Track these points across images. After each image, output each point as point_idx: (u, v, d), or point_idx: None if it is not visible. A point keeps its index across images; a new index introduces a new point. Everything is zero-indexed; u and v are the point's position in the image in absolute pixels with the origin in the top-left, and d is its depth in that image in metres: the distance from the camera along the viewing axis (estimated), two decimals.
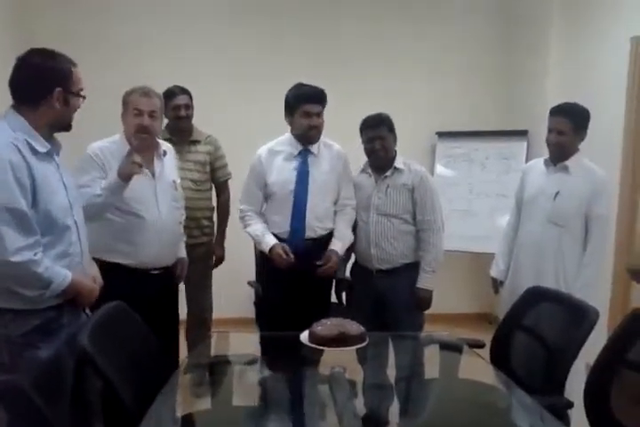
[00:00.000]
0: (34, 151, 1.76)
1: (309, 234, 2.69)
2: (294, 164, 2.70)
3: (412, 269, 2.78)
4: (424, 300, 2.76)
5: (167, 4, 4.49)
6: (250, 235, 2.76)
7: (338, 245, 2.73)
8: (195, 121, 3.29)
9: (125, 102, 2.48)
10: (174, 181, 2.64)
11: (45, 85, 1.79)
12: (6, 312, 1.73)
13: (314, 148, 2.71)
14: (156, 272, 2.54)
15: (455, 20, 4.76)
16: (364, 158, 2.85)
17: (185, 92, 3.23)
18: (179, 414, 1.80)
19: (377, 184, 2.78)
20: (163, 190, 2.53)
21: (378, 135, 2.70)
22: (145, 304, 2.31)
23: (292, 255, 2.60)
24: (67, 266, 1.83)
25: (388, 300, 2.76)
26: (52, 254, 1.78)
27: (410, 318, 2.73)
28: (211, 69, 4.40)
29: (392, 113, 2.80)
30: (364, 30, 4.64)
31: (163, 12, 4.47)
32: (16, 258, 1.66)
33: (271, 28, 4.56)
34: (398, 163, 2.77)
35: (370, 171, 2.82)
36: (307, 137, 2.67)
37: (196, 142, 3.25)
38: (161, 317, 2.52)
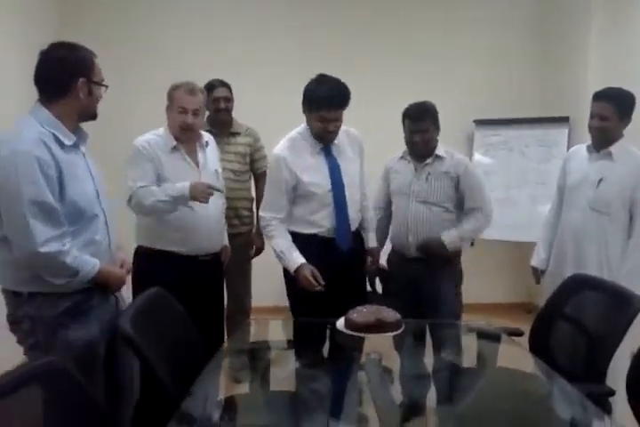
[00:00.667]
0: (61, 144, 1.80)
1: (352, 228, 2.65)
2: (322, 159, 2.56)
3: (451, 257, 2.76)
4: (432, 245, 2.68)
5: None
6: (273, 249, 2.57)
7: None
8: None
9: (171, 97, 2.55)
10: (217, 171, 2.72)
11: (70, 76, 1.82)
12: (37, 295, 1.80)
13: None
14: (205, 258, 2.63)
15: (493, 5, 4.68)
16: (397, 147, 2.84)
17: (225, 85, 3.30)
18: (220, 396, 1.83)
19: (417, 171, 2.74)
20: (207, 180, 2.58)
21: (419, 129, 2.64)
22: (194, 289, 2.47)
23: (322, 282, 2.41)
24: (93, 254, 1.87)
25: (425, 287, 2.73)
26: (79, 243, 1.83)
27: (447, 305, 2.70)
28: (233, 57, 4.44)
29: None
30: (400, 17, 4.60)
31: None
32: (44, 249, 1.71)
33: (295, 11, 4.57)
34: (439, 151, 2.72)
35: (409, 158, 2.79)
36: (322, 140, 2.54)
37: (235, 134, 3.31)
38: (209, 300, 2.64)
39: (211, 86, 3.20)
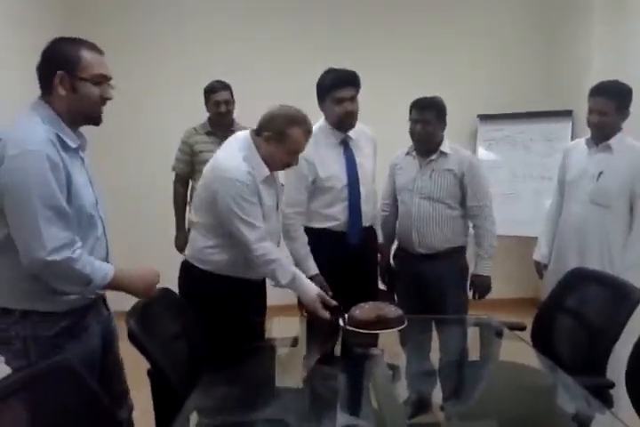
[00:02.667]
0: (65, 147, 1.67)
1: (364, 223, 2.67)
2: (339, 153, 2.61)
3: (456, 253, 2.78)
4: (482, 286, 2.77)
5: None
6: (291, 253, 2.50)
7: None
8: None
9: (283, 133, 2.18)
10: (282, 184, 2.54)
11: (49, 70, 1.66)
12: (32, 314, 1.66)
13: (352, 133, 2.63)
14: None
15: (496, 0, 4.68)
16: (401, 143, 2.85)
17: (226, 87, 3.34)
18: (224, 393, 1.85)
19: (421, 168, 2.75)
20: (281, 198, 2.42)
21: (421, 118, 2.65)
22: (239, 302, 2.27)
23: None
24: None
25: (430, 283, 2.74)
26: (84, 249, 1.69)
27: (453, 301, 2.71)
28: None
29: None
30: (402, 12, 4.62)
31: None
32: (52, 257, 1.57)
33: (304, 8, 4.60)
34: (444, 147, 2.72)
35: (414, 154, 2.80)
36: (342, 124, 2.57)
37: None
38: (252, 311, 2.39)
39: (212, 89, 3.26)
